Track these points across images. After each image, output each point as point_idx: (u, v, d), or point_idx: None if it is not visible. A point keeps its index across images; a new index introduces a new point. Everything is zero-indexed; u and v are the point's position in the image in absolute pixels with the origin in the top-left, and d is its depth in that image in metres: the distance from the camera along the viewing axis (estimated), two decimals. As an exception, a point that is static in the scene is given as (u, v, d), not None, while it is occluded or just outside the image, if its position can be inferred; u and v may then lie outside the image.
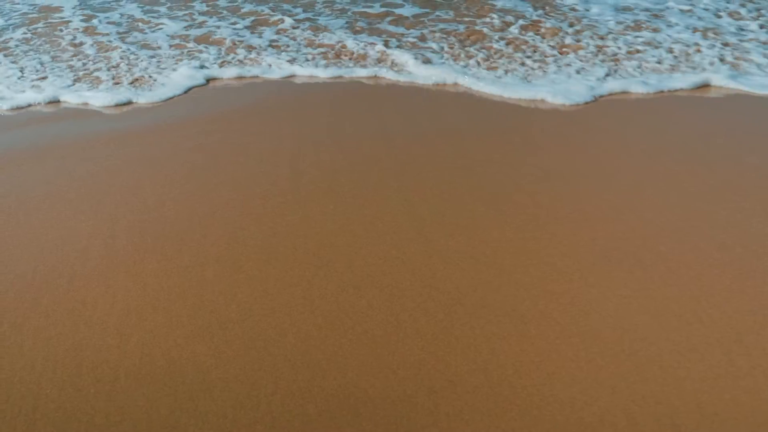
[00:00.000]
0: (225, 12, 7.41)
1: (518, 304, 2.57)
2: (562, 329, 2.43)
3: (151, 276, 2.83)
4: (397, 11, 7.10)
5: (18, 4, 8.12)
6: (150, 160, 4.05)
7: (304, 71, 5.47)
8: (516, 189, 3.45)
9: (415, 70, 5.27)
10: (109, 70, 5.71)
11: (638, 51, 5.53)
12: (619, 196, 3.35)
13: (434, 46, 5.87)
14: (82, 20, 7.26)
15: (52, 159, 4.14)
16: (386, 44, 5.95)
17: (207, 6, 7.65)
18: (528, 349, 2.35)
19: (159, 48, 6.26)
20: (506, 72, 5.13)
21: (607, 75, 5.00)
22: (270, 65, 5.64)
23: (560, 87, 4.74)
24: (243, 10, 7.42)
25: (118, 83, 5.38)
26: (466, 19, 6.66)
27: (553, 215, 3.19)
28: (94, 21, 7.21)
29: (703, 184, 3.44)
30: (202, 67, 5.66)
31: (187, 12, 7.46)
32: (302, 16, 7.12)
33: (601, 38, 5.89)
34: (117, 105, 5.02)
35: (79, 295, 2.73)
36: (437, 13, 6.96)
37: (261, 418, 2.11)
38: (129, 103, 5.06)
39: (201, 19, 7.21)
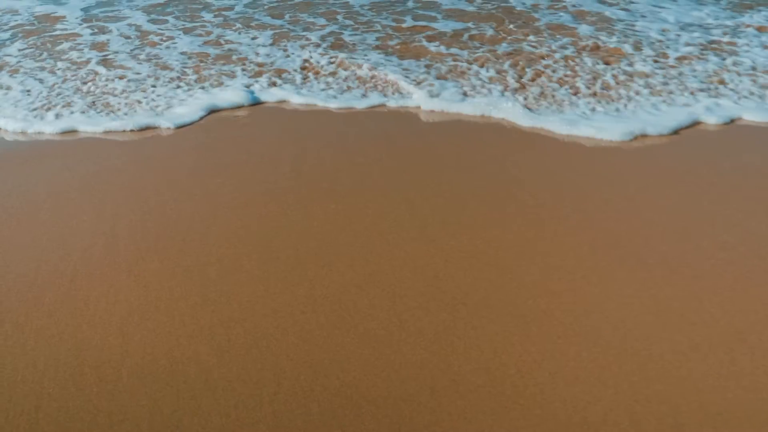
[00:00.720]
0: (239, 24, 6.97)
1: (520, 303, 2.57)
2: (564, 329, 2.43)
3: (154, 275, 2.83)
4: (433, 25, 6.45)
5: (19, 14, 7.86)
6: (152, 160, 4.07)
7: (336, 104, 4.94)
8: (518, 189, 3.45)
9: (455, 106, 4.72)
10: (123, 95, 5.23)
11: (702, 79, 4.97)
12: (621, 196, 3.35)
13: (477, 70, 5.28)
14: (91, 34, 6.95)
15: (53, 158, 4.16)
16: (427, 68, 5.32)
17: (216, 17, 7.31)
18: (530, 349, 2.34)
19: (177, 72, 5.71)
20: (560, 107, 4.57)
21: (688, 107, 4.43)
22: (297, 91, 5.16)
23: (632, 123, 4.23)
24: (256, 22, 7.00)
25: (134, 110, 4.92)
26: (510, 37, 6.04)
27: (555, 215, 3.19)
28: (104, 36, 6.84)
29: (705, 184, 3.45)
30: (240, 89, 5.17)
31: (198, 24, 7.09)
32: (327, 30, 6.56)
33: (664, 58, 5.32)
34: (138, 130, 4.59)
35: (82, 294, 2.73)
36: (477, 29, 6.26)
37: (263, 417, 2.11)
38: (155, 127, 4.64)
39: (217, 32, 6.72)
